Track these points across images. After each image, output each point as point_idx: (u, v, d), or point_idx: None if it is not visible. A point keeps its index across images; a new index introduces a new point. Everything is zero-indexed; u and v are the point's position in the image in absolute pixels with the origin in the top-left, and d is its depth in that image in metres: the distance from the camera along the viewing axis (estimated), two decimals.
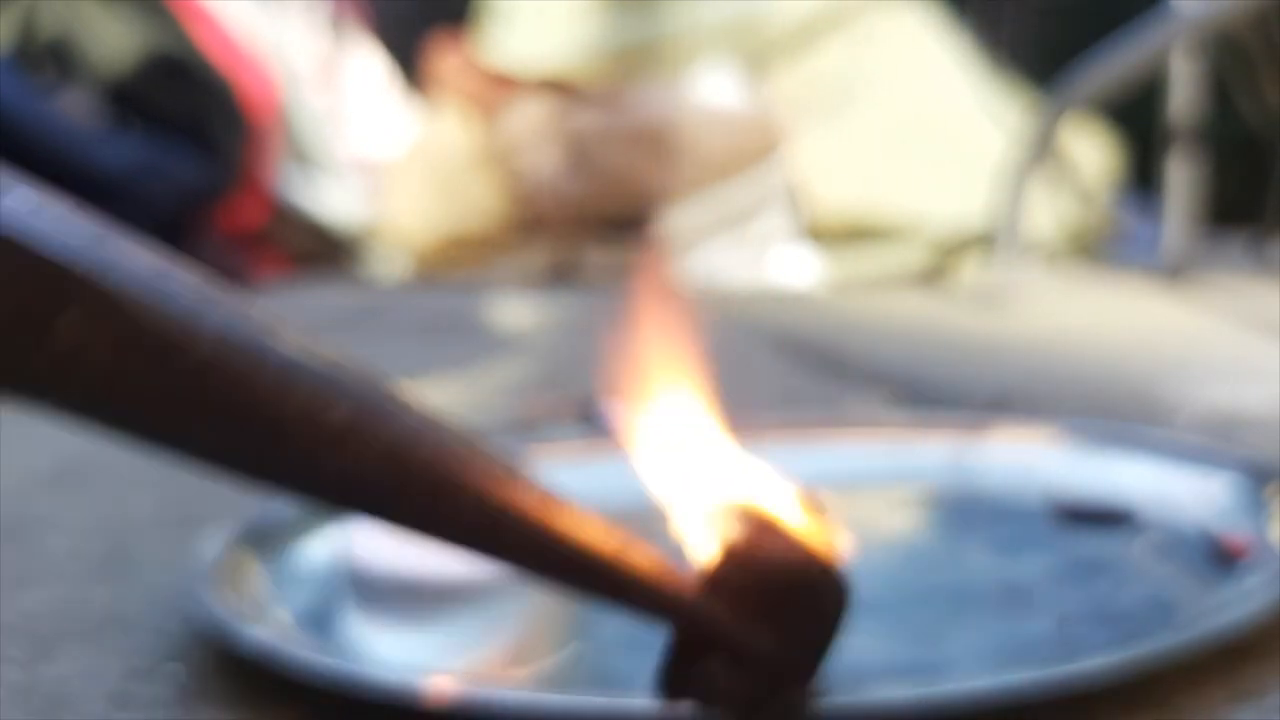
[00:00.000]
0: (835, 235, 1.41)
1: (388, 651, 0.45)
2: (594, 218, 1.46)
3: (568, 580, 0.24)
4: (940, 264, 1.39)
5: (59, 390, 0.18)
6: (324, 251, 1.62)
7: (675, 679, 0.24)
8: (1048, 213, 1.40)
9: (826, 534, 0.25)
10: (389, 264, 1.61)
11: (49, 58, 1.46)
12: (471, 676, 0.43)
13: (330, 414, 0.20)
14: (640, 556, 0.24)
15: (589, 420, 0.77)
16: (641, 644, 0.47)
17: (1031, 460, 0.61)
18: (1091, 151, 1.52)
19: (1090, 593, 0.49)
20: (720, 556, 0.23)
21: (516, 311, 1.31)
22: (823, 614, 0.26)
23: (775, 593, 0.24)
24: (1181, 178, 1.34)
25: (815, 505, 0.26)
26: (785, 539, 0.24)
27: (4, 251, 0.18)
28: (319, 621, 0.48)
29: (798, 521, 0.24)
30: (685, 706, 0.25)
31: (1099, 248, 1.49)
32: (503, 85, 1.54)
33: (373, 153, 1.70)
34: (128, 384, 0.18)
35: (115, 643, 0.47)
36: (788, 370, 0.93)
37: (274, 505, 0.55)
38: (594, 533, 0.24)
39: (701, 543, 0.24)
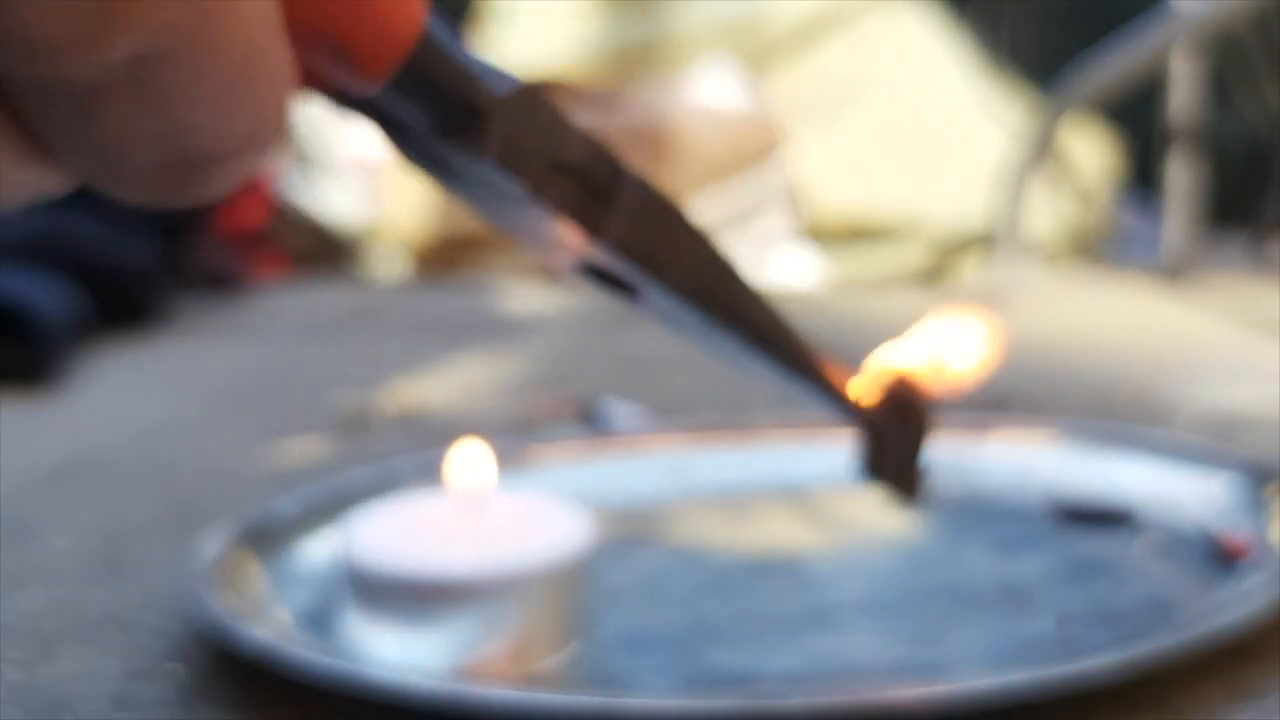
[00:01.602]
0: (835, 235, 1.41)
1: (388, 651, 0.45)
2: None
3: (814, 386, 0.36)
4: (940, 264, 1.39)
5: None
6: (324, 251, 1.62)
7: (867, 463, 0.40)
8: (1048, 213, 1.40)
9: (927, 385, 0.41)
10: (389, 264, 1.61)
11: None
12: (471, 676, 0.43)
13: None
14: (841, 379, 0.38)
15: (589, 420, 0.77)
16: (641, 644, 0.47)
17: (1031, 460, 0.61)
18: (1091, 151, 1.52)
19: (1090, 593, 0.49)
20: (882, 389, 0.39)
21: (516, 311, 1.31)
22: (922, 424, 0.41)
23: (905, 410, 0.40)
24: (1181, 178, 1.34)
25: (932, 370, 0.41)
26: (911, 385, 0.40)
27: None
28: (319, 621, 0.48)
29: (920, 376, 0.40)
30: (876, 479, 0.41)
31: (1099, 248, 1.49)
32: None
33: (373, 153, 1.70)
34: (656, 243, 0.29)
35: (115, 643, 0.47)
36: None
37: (273, 505, 0.55)
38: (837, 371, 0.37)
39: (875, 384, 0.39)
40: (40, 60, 0.18)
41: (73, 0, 0.18)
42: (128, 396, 0.91)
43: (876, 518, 0.61)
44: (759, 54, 1.51)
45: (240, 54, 0.20)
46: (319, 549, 0.52)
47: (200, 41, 0.19)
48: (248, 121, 0.21)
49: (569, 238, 0.28)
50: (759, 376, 0.36)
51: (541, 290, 1.40)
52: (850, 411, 0.38)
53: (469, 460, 0.49)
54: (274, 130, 0.21)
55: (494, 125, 0.25)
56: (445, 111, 0.24)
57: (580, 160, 0.27)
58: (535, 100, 0.26)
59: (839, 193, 1.42)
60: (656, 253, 0.29)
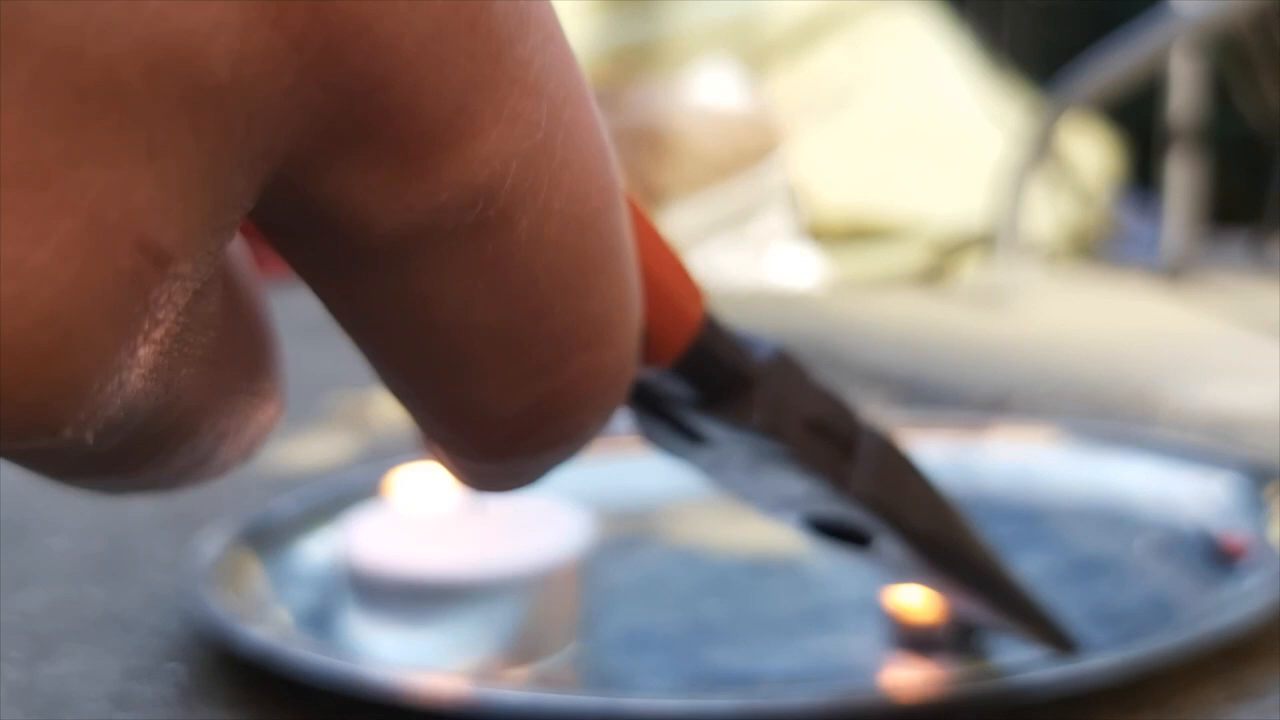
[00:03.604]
0: (835, 235, 1.41)
1: (388, 651, 0.45)
2: None
3: (1022, 618, 0.38)
4: (940, 264, 1.39)
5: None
6: None
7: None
8: (1048, 213, 1.40)
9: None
10: None
11: None
12: (471, 676, 0.43)
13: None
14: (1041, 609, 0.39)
15: None
16: (641, 644, 0.47)
17: (1031, 460, 0.61)
18: (1091, 151, 1.52)
19: (1090, 593, 0.49)
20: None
21: None
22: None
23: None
24: (1181, 178, 1.34)
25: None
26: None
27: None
28: (319, 621, 0.48)
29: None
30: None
31: (1099, 248, 1.49)
32: None
33: None
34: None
35: (115, 643, 0.47)
36: None
37: (273, 505, 0.55)
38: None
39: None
40: (354, 219, 0.15)
41: (383, 143, 0.15)
42: None
43: None
44: (759, 54, 1.51)
45: (594, 225, 0.17)
46: (319, 549, 0.52)
47: (545, 202, 0.16)
48: (601, 314, 0.18)
49: (802, 493, 0.29)
50: (974, 608, 0.37)
51: None
52: (1052, 642, 0.39)
53: (416, 481, 0.49)
54: (627, 337, 0.19)
55: (759, 393, 0.25)
56: (716, 385, 0.25)
57: (826, 416, 0.28)
58: (790, 363, 0.26)
59: (839, 193, 1.42)
60: (894, 501, 0.30)
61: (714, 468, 0.28)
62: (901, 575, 0.34)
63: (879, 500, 0.29)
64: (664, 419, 0.26)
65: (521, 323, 0.17)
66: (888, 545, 0.31)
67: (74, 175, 0.13)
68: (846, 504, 0.29)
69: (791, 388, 0.26)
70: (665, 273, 0.22)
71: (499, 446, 0.19)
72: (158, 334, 0.14)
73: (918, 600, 0.44)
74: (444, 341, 0.17)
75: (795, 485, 0.28)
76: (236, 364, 0.18)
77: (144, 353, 0.14)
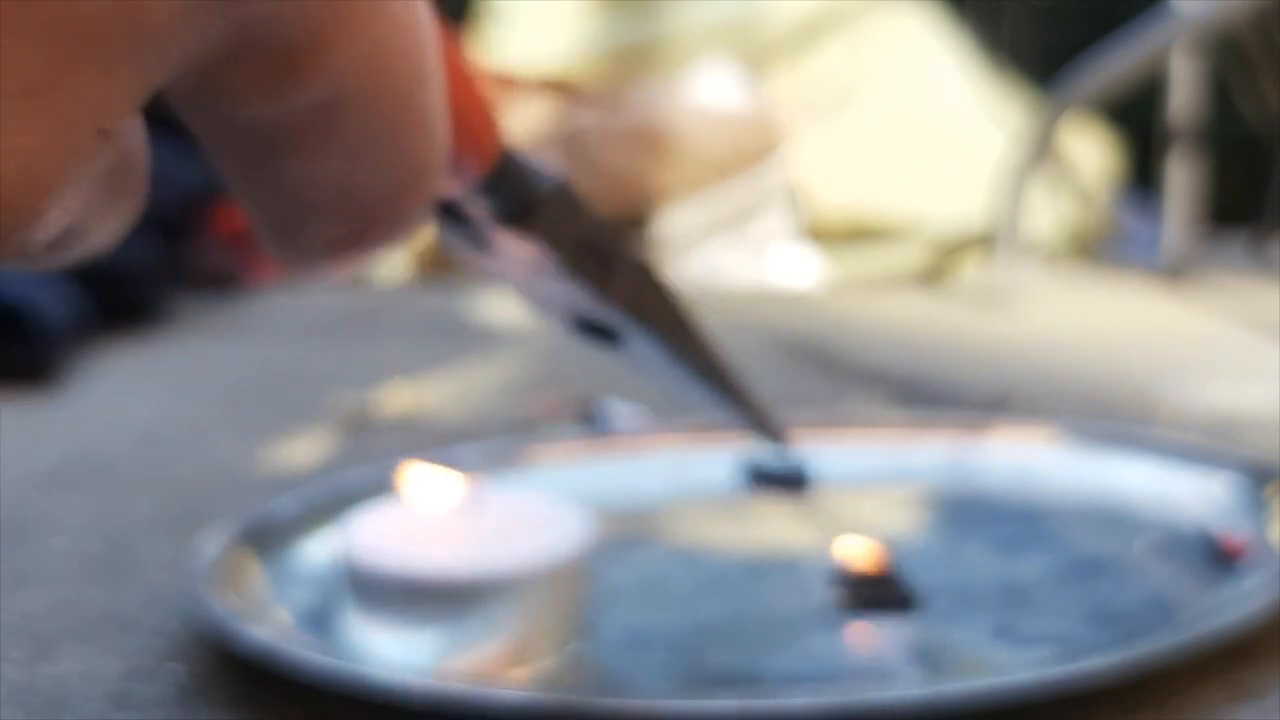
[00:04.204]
0: (835, 235, 1.41)
1: (388, 651, 0.45)
2: None
3: (745, 413, 0.44)
4: (940, 264, 1.39)
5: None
6: None
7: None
8: (1048, 213, 1.40)
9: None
10: (389, 264, 1.61)
11: None
12: (471, 676, 0.43)
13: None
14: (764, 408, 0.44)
15: (589, 420, 0.77)
16: (641, 644, 0.47)
17: (1031, 460, 0.61)
18: (1091, 151, 1.51)
19: (1090, 593, 0.49)
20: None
21: (516, 312, 1.30)
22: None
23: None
24: (1181, 178, 1.34)
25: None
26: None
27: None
28: (319, 621, 0.48)
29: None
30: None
31: (1099, 248, 1.49)
32: (503, 85, 1.55)
33: None
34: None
35: (115, 643, 0.47)
36: (788, 370, 0.93)
37: (273, 505, 0.55)
38: None
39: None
40: (236, 105, 0.22)
41: (262, 55, 0.21)
42: (128, 396, 0.91)
43: (876, 518, 0.61)
44: (759, 54, 1.51)
45: (408, 103, 0.23)
46: (319, 549, 0.52)
47: (374, 90, 0.23)
48: (411, 164, 0.24)
49: (570, 297, 0.36)
50: (702, 401, 0.43)
51: None
52: (769, 433, 0.45)
53: (425, 479, 0.49)
54: (430, 179, 0.25)
55: (542, 214, 0.33)
56: (510, 205, 0.32)
57: (595, 239, 0.35)
58: (570, 194, 0.34)
59: (839, 193, 1.42)
60: (642, 307, 0.37)
61: (500, 272, 0.35)
62: (646, 368, 0.40)
63: (631, 305, 0.36)
64: (463, 229, 0.33)
65: (352, 173, 0.24)
66: (637, 343, 0.38)
67: (59, 91, 0.19)
68: (605, 307, 0.36)
69: (569, 213, 0.33)
70: (474, 115, 0.29)
71: (325, 252, 0.25)
72: (89, 174, 0.20)
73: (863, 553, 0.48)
74: (294, 185, 0.24)
75: (564, 290, 0.35)
76: (122, 176, 0.24)
77: (80, 186, 0.20)
